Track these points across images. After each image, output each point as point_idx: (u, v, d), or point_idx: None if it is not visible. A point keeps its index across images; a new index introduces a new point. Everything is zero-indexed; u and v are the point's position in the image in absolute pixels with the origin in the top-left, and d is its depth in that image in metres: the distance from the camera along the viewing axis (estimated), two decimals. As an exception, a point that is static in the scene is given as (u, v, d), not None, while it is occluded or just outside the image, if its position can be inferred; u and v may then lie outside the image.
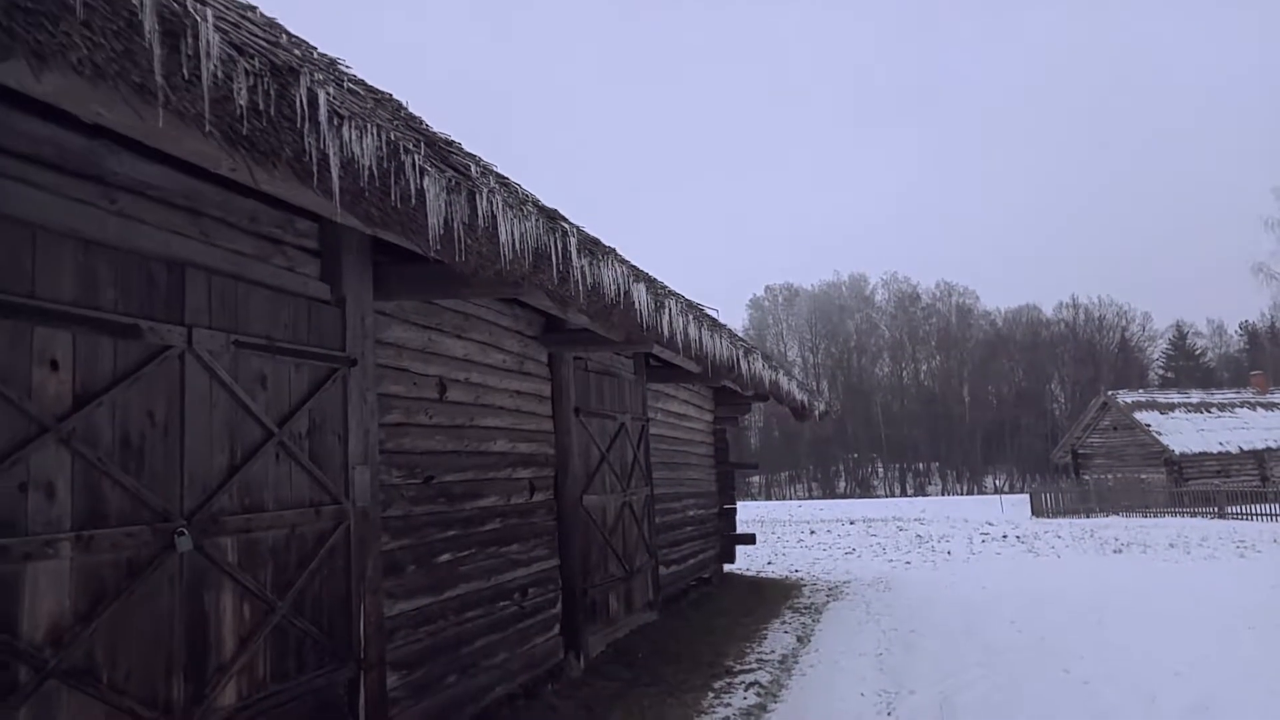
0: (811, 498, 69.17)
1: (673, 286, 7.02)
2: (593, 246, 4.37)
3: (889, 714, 6.27)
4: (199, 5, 1.95)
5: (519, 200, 3.55)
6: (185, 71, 1.91)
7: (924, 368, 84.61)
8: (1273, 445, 37.24)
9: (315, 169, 2.33)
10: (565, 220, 4.08)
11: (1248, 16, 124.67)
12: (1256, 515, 25.83)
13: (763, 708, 6.54)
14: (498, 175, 3.71)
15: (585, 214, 4.86)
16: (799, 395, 13.30)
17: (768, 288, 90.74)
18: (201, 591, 3.56)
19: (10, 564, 2.79)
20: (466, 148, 4.15)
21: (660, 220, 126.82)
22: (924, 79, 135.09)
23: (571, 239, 3.94)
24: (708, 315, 7.67)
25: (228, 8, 2.19)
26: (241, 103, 2.08)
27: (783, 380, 12.01)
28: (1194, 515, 27.82)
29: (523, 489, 6.80)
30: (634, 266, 5.19)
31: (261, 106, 2.15)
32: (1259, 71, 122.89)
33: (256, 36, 2.23)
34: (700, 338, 6.68)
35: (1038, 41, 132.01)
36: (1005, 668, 7.43)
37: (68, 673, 2.93)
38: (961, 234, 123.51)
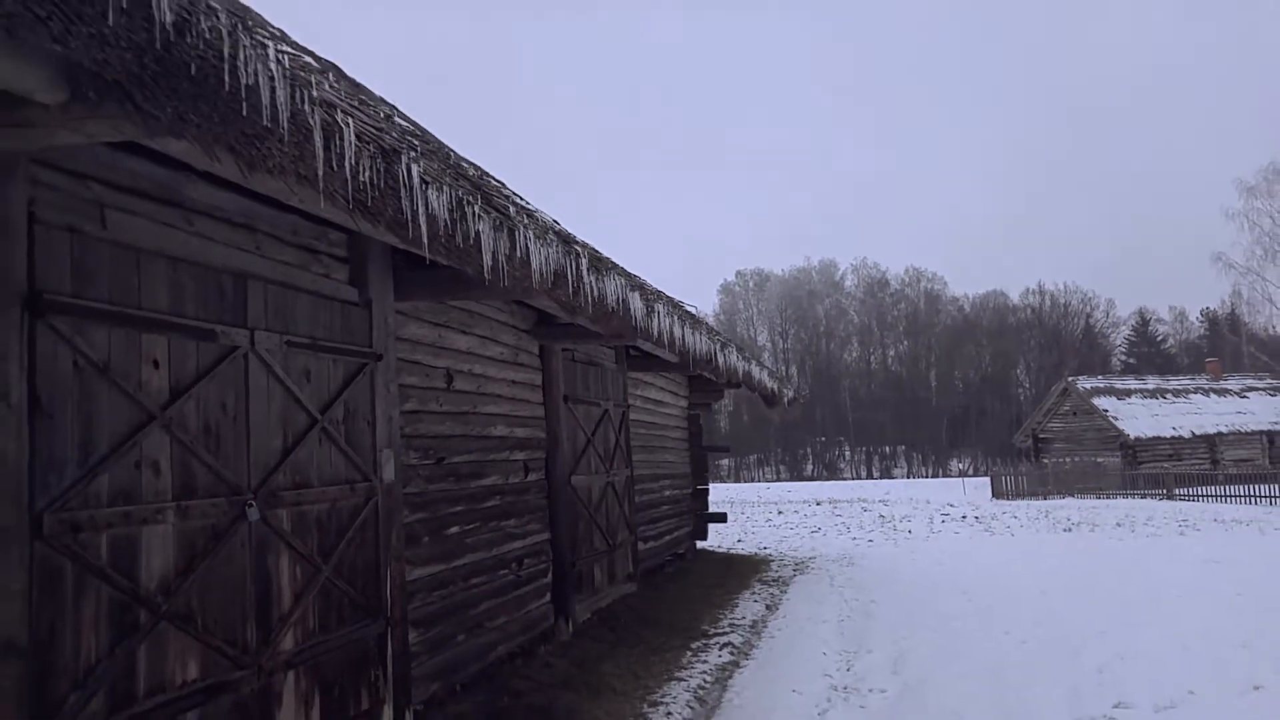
0: (780, 480, 70.30)
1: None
2: (598, 263, 5.04)
3: (848, 669, 7.04)
4: (345, 115, 2.58)
5: (543, 230, 4.20)
6: (334, 163, 2.54)
7: (892, 353, 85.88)
8: (1224, 430, 38.74)
9: (408, 222, 2.98)
10: (578, 243, 4.76)
11: (1218, 4, 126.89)
12: (1201, 496, 27.08)
13: (735, 664, 7.29)
14: (526, 209, 4.37)
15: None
16: (769, 384, 14.05)
17: (738, 273, 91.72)
18: (265, 555, 4.20)
19: (132, 527, 3.42)
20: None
21: (632, 203, 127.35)
22: (896, 66, 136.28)
23: (583, 260, 4.61)
24: (689, 313, 8.37)
25: (348, 99, 2.81)
26: (364, 179, 2.72)
27: (754, 370, 12.75)
28: (1144, 496, 29.03)
29: (518, 469, 7.47)
30: (630, 275, 5.87)
31: (375, 180, 2.79)
32: (1224, 62, 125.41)
33: (366, 123, 2.86)
34: (683, 335, 7.38)
35: (1008, 29, 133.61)
36: (954, 631, 8.23)
37: (174, 616, 3.58)
38: (931, 221, 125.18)
